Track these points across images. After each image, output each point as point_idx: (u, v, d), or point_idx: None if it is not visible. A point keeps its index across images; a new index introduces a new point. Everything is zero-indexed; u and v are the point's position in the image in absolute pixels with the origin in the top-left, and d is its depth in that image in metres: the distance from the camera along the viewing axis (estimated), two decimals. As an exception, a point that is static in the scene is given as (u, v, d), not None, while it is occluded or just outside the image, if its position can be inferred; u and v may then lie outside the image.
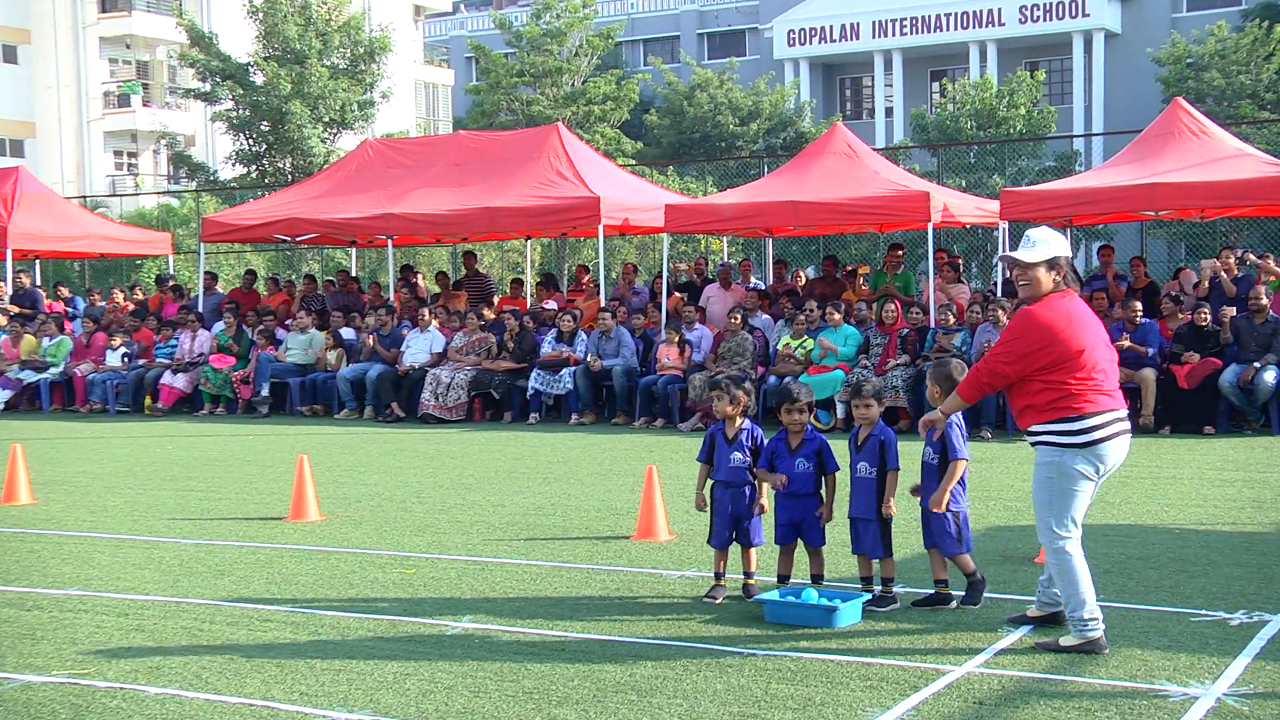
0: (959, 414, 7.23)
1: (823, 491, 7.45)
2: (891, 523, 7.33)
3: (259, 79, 36.06)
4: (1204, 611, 7.03)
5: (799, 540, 7.51)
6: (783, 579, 7.55)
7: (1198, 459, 13.05)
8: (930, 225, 17.91)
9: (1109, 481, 11.58)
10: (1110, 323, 16.20)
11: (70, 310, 23.85)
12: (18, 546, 9.58)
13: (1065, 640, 6.41)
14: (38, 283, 25.67)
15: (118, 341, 21.07)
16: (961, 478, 7.22)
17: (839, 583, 7.70)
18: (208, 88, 37.27)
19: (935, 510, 7.17)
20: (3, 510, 11.19)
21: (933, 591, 7.35)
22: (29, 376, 20.84)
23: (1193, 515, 10.00)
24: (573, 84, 40.92)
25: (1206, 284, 17.29)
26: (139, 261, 32.63)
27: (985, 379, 6.55)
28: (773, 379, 16.42)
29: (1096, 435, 6.31)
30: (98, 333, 21.56)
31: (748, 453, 7.55)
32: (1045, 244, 6.49)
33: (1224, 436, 14.68)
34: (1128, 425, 6.48)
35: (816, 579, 7.51)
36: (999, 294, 17.69)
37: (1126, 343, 15.18)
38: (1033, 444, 6.50)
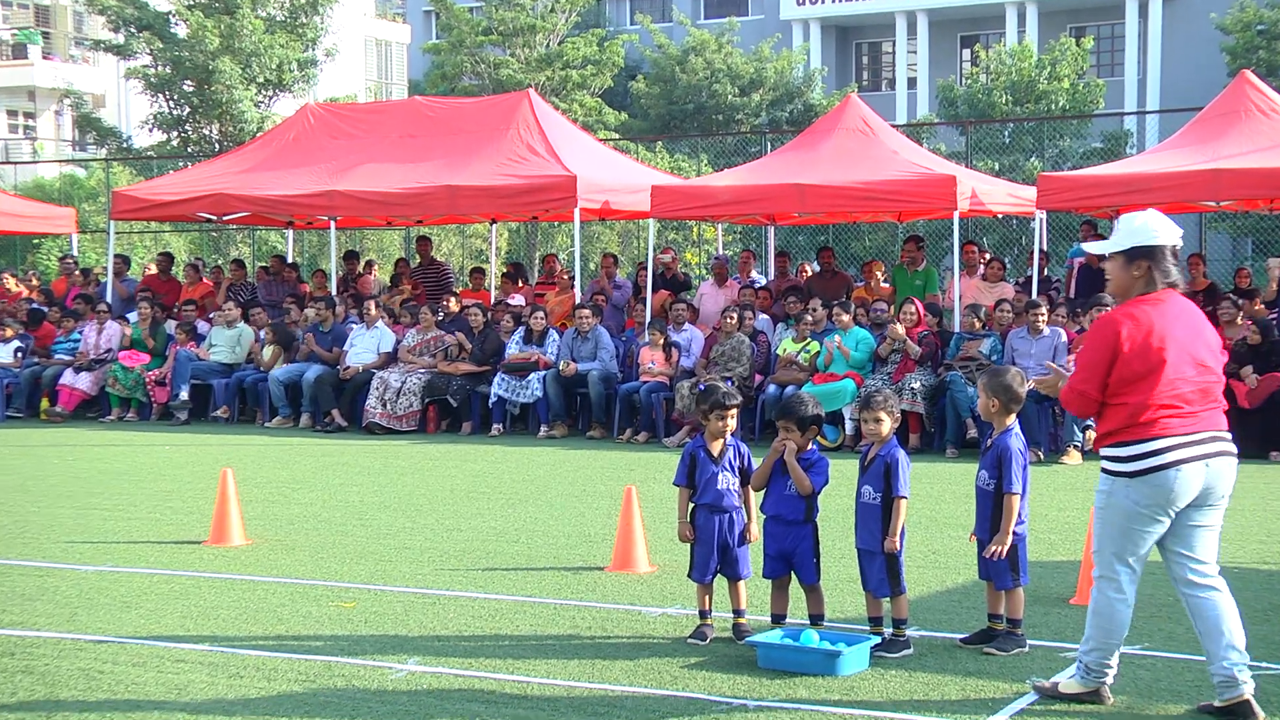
0: (1022, 440, 7.38)
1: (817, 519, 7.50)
2: (901, 557, 7.34)
3: (182, 31, 35.98)
4: (1265, 665, 7.06)
5: (793, 575, 7.55)
6: (778, 619, 7.57)
7: (1261, 488, 13.10)
8: (956, 214, 17.96)
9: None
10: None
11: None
12: (-109, 570, 9.57)
13: (1067, 686, 6.51)
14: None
15: (10, 333, 20.98)
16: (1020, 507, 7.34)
17: (844, 623, 7.74)
18: (121, 39, 37.14)
19: (991, 557, 7.26)
20: (-125, 528, 11.17)
21: (985, 627, 7.47)
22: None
23: (1253, 552, 10.06)
24: (548, 44, 40.92)
25: (1275, 286, 17.35)
26: (37, 241, 32.49)
27: (1072, 398, 6.46)
28: (772, 388, 16.47)
29: (1153, 463, 6.20)
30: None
31: (736, 473, 7.59)
32: (1126, 231, 6.41)
33: (1292, 462, 14.78)
34: (1210, 449, 6.27)
35: (816, 619, 7.54)
36: (1034, 294, 17.75)
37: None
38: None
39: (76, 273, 23.89)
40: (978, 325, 16.38)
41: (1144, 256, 6.34)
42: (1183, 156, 17.50)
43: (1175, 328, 6.28)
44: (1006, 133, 35.02)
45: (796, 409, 7.50)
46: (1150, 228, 6.39)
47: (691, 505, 7.69)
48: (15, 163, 42.03)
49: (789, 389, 16.28)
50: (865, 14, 54.84)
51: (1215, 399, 6.39)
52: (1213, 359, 6.40)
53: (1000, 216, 23.54)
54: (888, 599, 7.36)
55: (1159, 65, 50.46)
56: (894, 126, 22.69)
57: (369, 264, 25.05)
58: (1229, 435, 6.40)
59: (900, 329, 16.36)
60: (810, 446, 7.52)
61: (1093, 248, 6.71)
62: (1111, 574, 6.37)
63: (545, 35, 40.83)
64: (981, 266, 19.19)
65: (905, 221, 23.60)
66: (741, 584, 7.65)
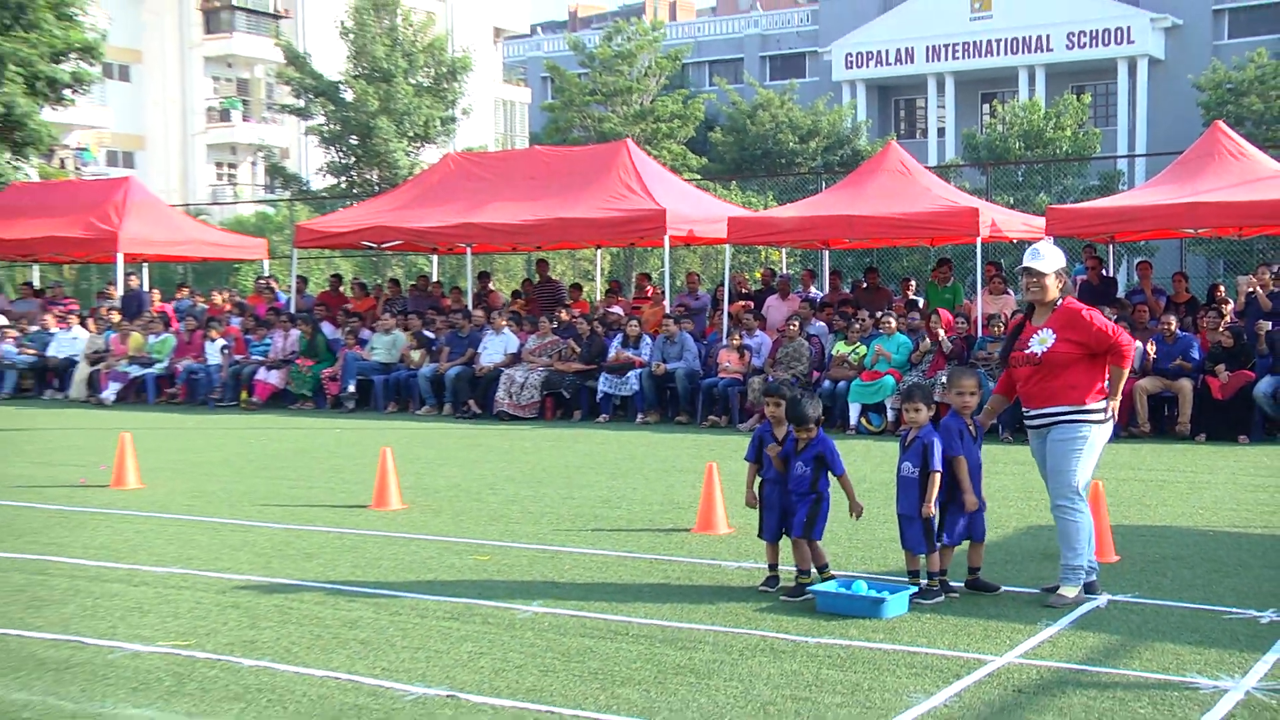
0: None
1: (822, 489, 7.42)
2: (934, 521, 7.29)
3: (349, 96, 36.43)
4: (1234, 609, 6.96)
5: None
6: (821, 569, 7.51)
7: (1231, 465, 12.88)
8: (979, 240, 17.80)
9: (1147, 485, 11.52)
10: (1148, 334, 16.04)
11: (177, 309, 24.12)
12: (125, 528, 9.78)
13: (1068, 590, 7.10)
14: (145, 285, 26.04)
15: (215, 335, 21.32)
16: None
17: (887, 575, 7.71)
18: (302, 104, 37.70)
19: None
20: (113, 494, 11.42)
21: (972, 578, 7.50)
22: (135, 371, 21.20)
23: (1226, 518, 9.89)
24: (642, 103, 40.97)
25: (1243, 299, 17.02)
26: (237, 265, 33.01)
27: (1130, 348, 7.14)
28: (827, 383, 16.42)
29: (1111, 409, 7.19)
30: (198, 330, 21.85)
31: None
32: (1053, 256, 7.22)
33: (1257, 445, 14.46)
34: None
35: (820, 570, 7.50)
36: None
37: (1177, 362, 15.10)
38: (1067, 420, 7.05)
39: (264, 288, 24.22)
40: (998, 330, 16.19)
41: (1065, 271, 7.31)
42: (1166, 192, 17.22)
43: None
44: (1020, 173, 34.66)
45: (794, 405, 7.41)
46: (1061, 253, 7.35)
47: (760, 479, 7.68)
48: (221, 204, 42.67)
49: (840, 384, 16.27)
50: (903, 75, 54.46)
51: None
52: None
53: (1015, 241, 23.24)
54: (923, 555, 7.33)
55: (1145, 117, 49.67)
56: (927, 168, 22.47)
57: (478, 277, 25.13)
58: None
59: (941, 332, 16.31)
60: (814, 435, 7.36)
61: (1036, 264, 7.19)
62: (1080, 496, 7.07)
63: (640, 95, 40.88)
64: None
65: (936, 245, 23.39)
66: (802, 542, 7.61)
